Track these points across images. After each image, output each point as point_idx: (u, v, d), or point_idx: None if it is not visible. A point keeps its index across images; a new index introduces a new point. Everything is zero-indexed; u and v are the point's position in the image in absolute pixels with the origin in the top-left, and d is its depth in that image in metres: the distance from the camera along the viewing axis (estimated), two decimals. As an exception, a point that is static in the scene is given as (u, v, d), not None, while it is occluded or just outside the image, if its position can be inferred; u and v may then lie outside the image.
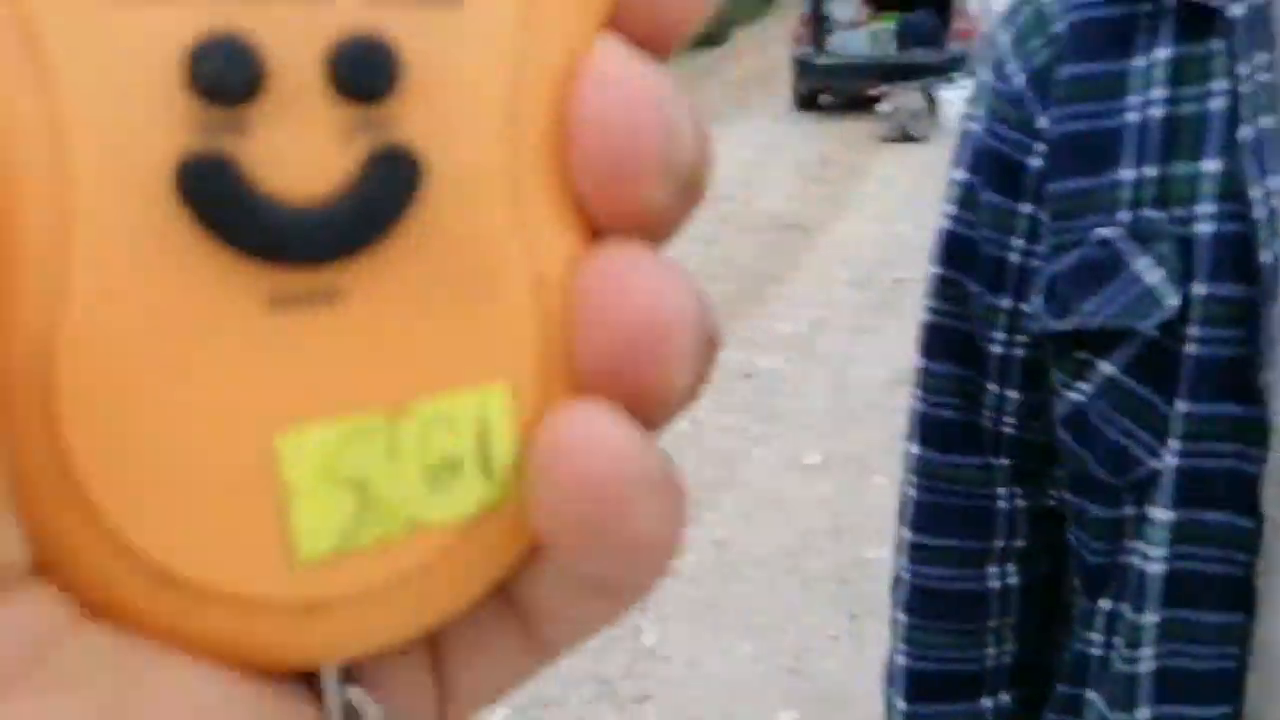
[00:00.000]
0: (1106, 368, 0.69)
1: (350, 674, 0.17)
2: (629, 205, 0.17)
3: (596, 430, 0.16)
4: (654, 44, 0.19)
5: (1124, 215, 0.68)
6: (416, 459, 0.17)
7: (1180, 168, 0.66)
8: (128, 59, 0.16)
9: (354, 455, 0.16)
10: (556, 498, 0.16)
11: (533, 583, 0.18)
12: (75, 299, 0.15)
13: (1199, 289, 0.65)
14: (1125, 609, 0.70)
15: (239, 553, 0.16)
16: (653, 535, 0.17)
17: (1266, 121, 0.64)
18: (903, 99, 9.09)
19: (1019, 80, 0.72)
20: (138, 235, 0.15)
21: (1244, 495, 0.65)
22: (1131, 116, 0.68)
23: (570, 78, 0.18)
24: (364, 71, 0.17)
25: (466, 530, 0.17)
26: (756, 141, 8.87)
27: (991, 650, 0.80)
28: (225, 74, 0.16)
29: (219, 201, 0.15)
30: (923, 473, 0.80)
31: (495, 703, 0.19)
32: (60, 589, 0.15)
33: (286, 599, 0.16)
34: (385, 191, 0.16)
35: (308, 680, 0.17)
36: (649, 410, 0.17)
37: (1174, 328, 0.66)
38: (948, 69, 9.59)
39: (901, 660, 0.82)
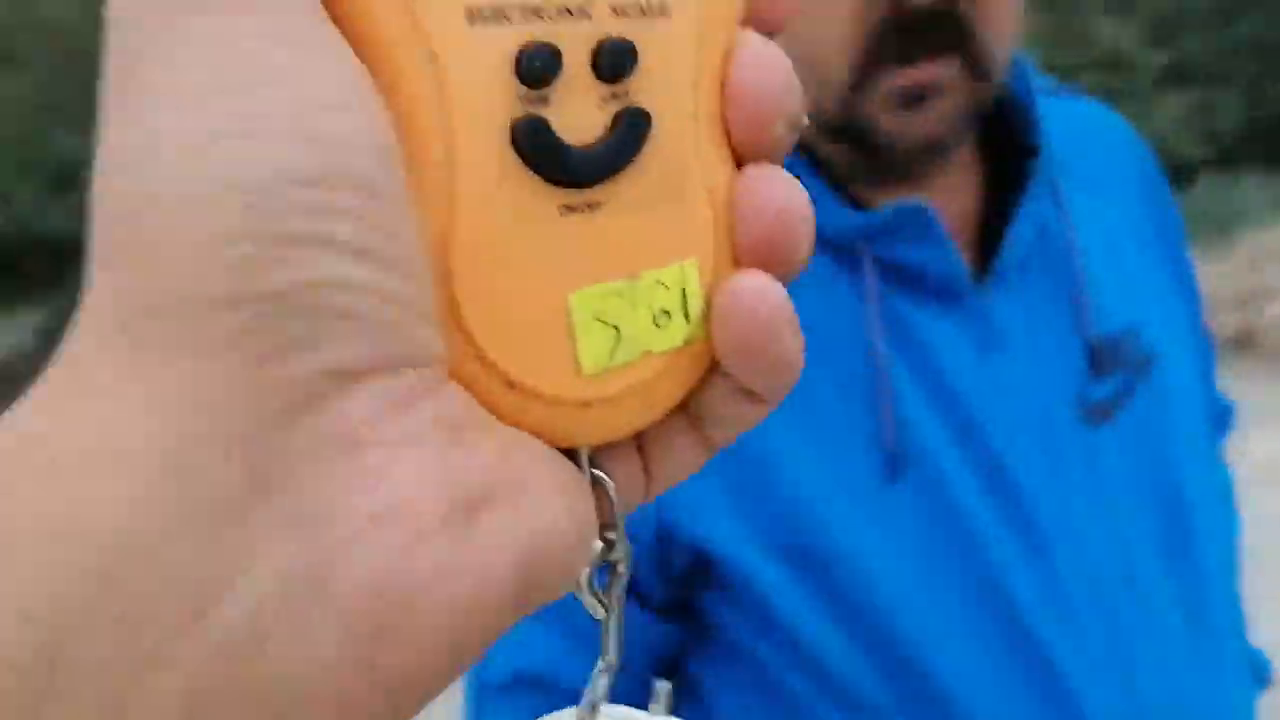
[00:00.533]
0: None
1: (593, 459, 0.26)
2: (765, 138, 0.27)
3: (756, 285, 0.26)
4: (772, 26, 0.30)
5: None
6: (646, 309, 0.26)
7: None
8: (482, 58, 0.26)
9: (611, 307, 0.26)
10: (732, 330, 0.26)
11: (708, 394, 0.27)
12: (459, 201, 0.24)
13: None
14: None
15: (550, 368, 0.25)
16: (792, 357, 0.26)
17: None
18: None
19: None
20: (490, 167, 0.25)
21: None
22: None
23: (726, 58, 0.29)
24: (614, 61, 0.28)
25: (674, 357, 0.27)
26: None
27: None
28: (539, 67, 0.26)
29: (535, 147, 0.25)
30: None
31: (677, 482, 0.28)
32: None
33: (575, 399, 0.25)
34: (628, 138, 0.27)
35: (571, 457, 0.26)
36: (785, 274, 0.27)
37: None
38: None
39: None
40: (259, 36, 0.21)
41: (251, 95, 0.20)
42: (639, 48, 0.28)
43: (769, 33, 0.31)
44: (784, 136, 0.28)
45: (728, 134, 0.28)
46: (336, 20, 0.27)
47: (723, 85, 0.29)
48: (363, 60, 0.26)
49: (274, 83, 0.21)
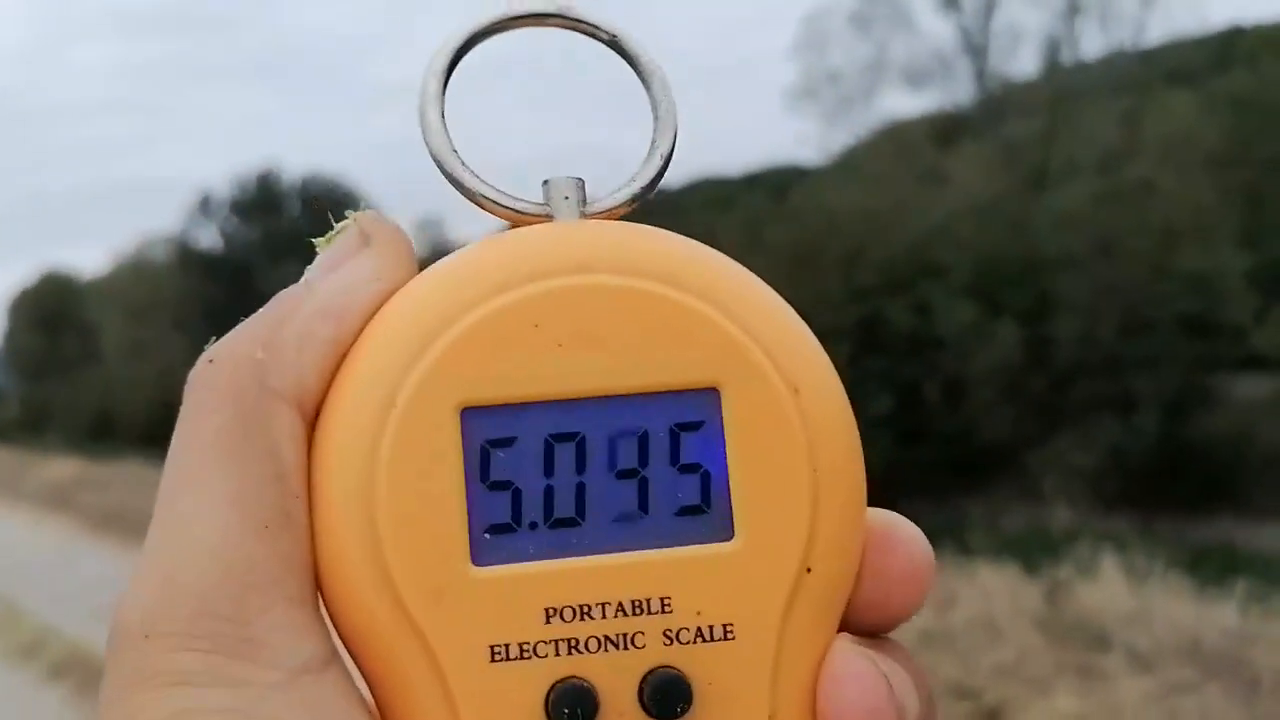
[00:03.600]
0: None
1: None
2: None
3: None
4: (882, 630, 0.28)
5: None
6: None
7: None
8: (506, 701, 0.25)
9: None
10: None
11: None
12: None
13: None
14: None
15: None
16: None
17: None
18: None
19: None
20: None
21: None
22: None
23: (815, 678, 0.27)
24: (664, 696, 0.26)
25: None
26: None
27: None
28: (573, 712, 0.25)
29: None
30: None
31: None
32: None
33: None
34: None
35: None
36: None
37: None
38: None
39: None
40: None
41: None
42: (695, 679, 0.26)
43: (878, 632, 0.29)
44: None
45: None
46: (357, 659, 0.27)
47: (815, 712, 0.27)
48: (380, 705, 0.26)
49: None
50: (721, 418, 0.29)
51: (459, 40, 0.33)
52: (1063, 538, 6.92)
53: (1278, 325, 10.52)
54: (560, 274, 0.29)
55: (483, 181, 0.32)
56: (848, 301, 11.34)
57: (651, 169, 0.33)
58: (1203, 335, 10.80)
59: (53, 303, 27.08)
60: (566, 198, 0.32)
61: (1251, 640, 5.08)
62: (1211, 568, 6.29)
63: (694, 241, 0.32)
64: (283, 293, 0.32)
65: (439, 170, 0.32)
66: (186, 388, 0.31)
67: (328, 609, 0.29)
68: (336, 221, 0.33)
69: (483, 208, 0.32)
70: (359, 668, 0.28)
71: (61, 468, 15.15)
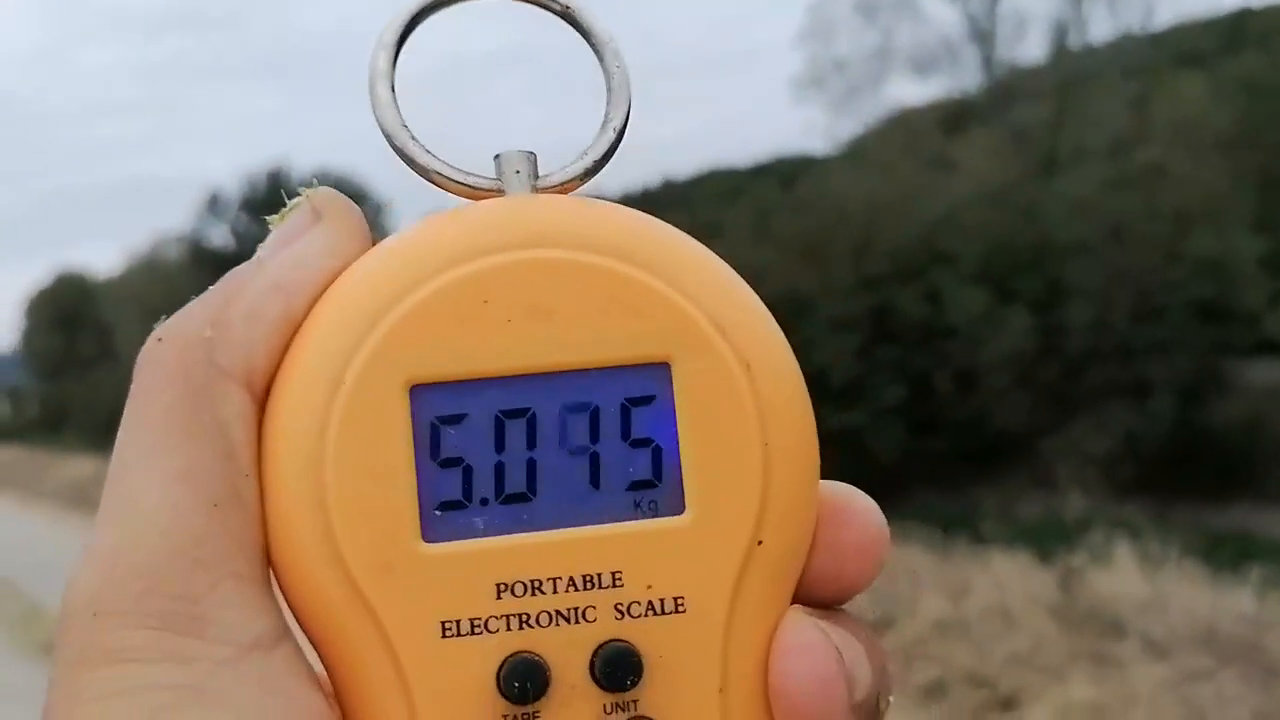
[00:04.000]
0: None
1: None
2: None
3: None
4: (837, 601, 0.28)
5: None
6: None
7: None
8: (457, 675, 0.26)
9: None
10: None
11: None
12: None
13: None
14: None
15: None
16: None
17: None
18: None
19: None
20: None
21: None
22: None
23: (767, 649, 0.27)
24: (615, 669, 0.26)
25: None
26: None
27: None
28: (523, 686, 0.26)
29: None
30: None
31: None
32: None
33: None
34: None
35: None
36: None
37: None
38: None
39: None
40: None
41: None
42: (646, 652, 0.27)
43: (833, 604, 0.29)
44: None
45: None
46: (309, 635, 0.28)
47: (765, 683, 0.27)
48: (333, 681, 0.27)
49: None
50: (673, 392, 0.29)
51: (408, 14, 0.33)
52: (1076, 525, 6.89)
53: (1291, 309, 10.46)
54: (509, 249, 0.29)
55: (433, 156, 0.32)
56: (858, 291, 11.31)
57: (604, 143, 0.33)
58: (1216, 321, 10.74)
59: (68, 303, 27.23)
60: (518, 172, 0.32)
61: (1268, 627, 5.05)
62: (1227, 554, 6.25)
63: (646, 215, 0.32)
64: (234, 270, 0.32)
65: (389, 145, 0.32)
66: (136, 366, 0.31)
67: (280, 586, 0.30)
68: (290, 199, 0.33)
69: (434, 183, 0.32)
70: (312, 644, 0.28)
71: (80, 466, 15.23)
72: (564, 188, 0.33)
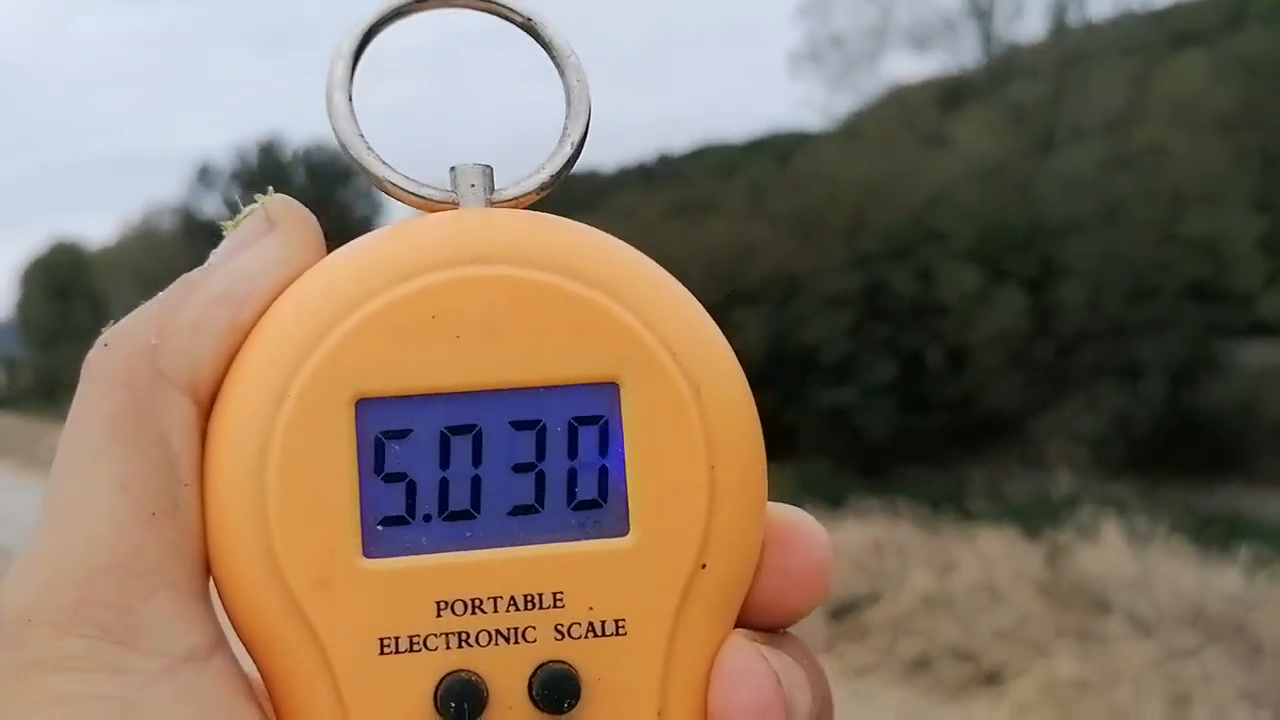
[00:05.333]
0: None
1: None
2: None
3: None
4: (781, 625, 0.29)
5: None
6: None
7: None
8: (395, 693, 0.26)
9: None
10: None
11: None
12: None
13: None
14: None
15: None
16: None
17: None
18: None
19: None
20: None
21: None
22: None
23: (708, 674, 0.28)
24: (555, 692, 0.27)
25: None
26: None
27: None
28: (460, 705, 0.26)
29: None
30: None
31: None
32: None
33: None
34: None
35: None
36: None
37: None
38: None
39: None
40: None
41: None
42: (585, 674, 0.27)
43: (778, 628, 0.29)
44: None
45: None
46: (247, 647, 0.28)
47: (705, 708, 0.27)
48: (270, 694, 0.27)
49: None
50: (620, 413, 0.29)
51: (367, 23, 0.33)
52: (1064, 503, 6.89)
53: (1286, 291, 10.44)
54: (460, 264, 0.29)
55: (388, 167, 0.32)
56: (851, 268, 11.28)
57: (561, 156, 0.33)
58: (1210, 301, 10.73)
59: (63, 272, 27.19)
60: (473, 185, 0.32)
61: (1254, 605, 5.05)
62: (1215, 534, 6.25)
63: (600, 232, 0.32)
64: (185, 275, 0.32)
65: (345, 155, 0.32)
66: (82, 371, 0.31)
67: (219, 596, 0.29)
68: (245, 205, 0.33)
69: (389, 194, 0.32)
70: (250, 656, 0.28)
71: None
72: (519, 201, 0.32)
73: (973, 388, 11.06)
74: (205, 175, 21.97)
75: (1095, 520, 5.97)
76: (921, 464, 10.49)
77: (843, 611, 5.51)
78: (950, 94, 15.27)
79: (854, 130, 15.28)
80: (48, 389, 23.61)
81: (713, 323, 0.31)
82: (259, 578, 0.28)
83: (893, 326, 11.13)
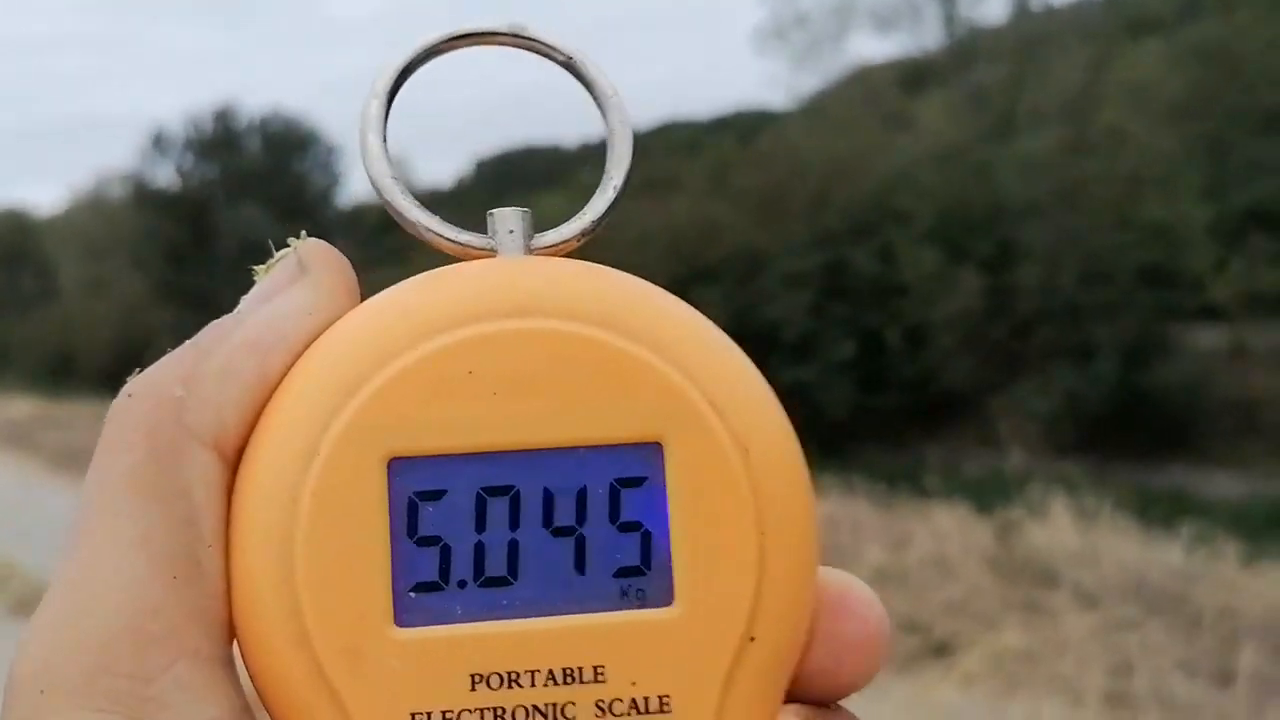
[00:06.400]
0: None
1: None
2: None
3: None
4: (834, 698, 0.28)
5: None
6: None
7: None
8: None
9: None
10: None
11: None
12: None
13: None
14: None
15: None
16: None
17: None
18: None
19: None
20: None
21: None
22: None
23: None
24: None
25: None
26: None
27: None
28: None
29: None
30: None
31: None
32: None
33: None
34: None
35: None
36: None
37: None
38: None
39: None
40: None
41: None
42: None
43: (830, 701, 0.28)
44: None
45: None
46: (271, 716, 0.27)
47: None
48: None
49: None
50: (664, 474, 0.28)
51: (404, 61, 0.31)
52: (1015, 481, 7.03)
53: (1236, 277, 10.66)
54: (497, 317, 0.28)
55: (424, 211, 0.31)
56: (812, 246, 11.36)
57: (603, 202, 0.32)
58: (1162, 285, 10.91)
59: (9, 240, 26.65)
60: (511, 231, 0.31)
61: (1195, 579, 5.20)
62: (1160, 511, 6.41)
63: (643, 282, 0.30)
64: (214, 322, 0.31)
65: (380, 198, 0.31)
66: (105, 420, 0.30)
67: (244, 661, 0.28)
68: (278, 250, 0.32)
69: (425, 241, 0.31)
70: None
71: (21, 407, 15.02)
72: (559, 248, 0.31)
73: (931, 367, 11.20)
74: (158, 143, 21.58)
75: (1045, 498, 6.11)
76: (880, 442, 10.62)
77: (799, 584, 5.58)
78: (913, 75, 15.36)
79: (818, 110, 15.34)
80: (-7, 359, 23.18)
81: (761, 378, 0.30)
82: (285, 645, 0.27)
83: (852, 305, 11.23)
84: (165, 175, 21.62)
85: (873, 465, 8.55)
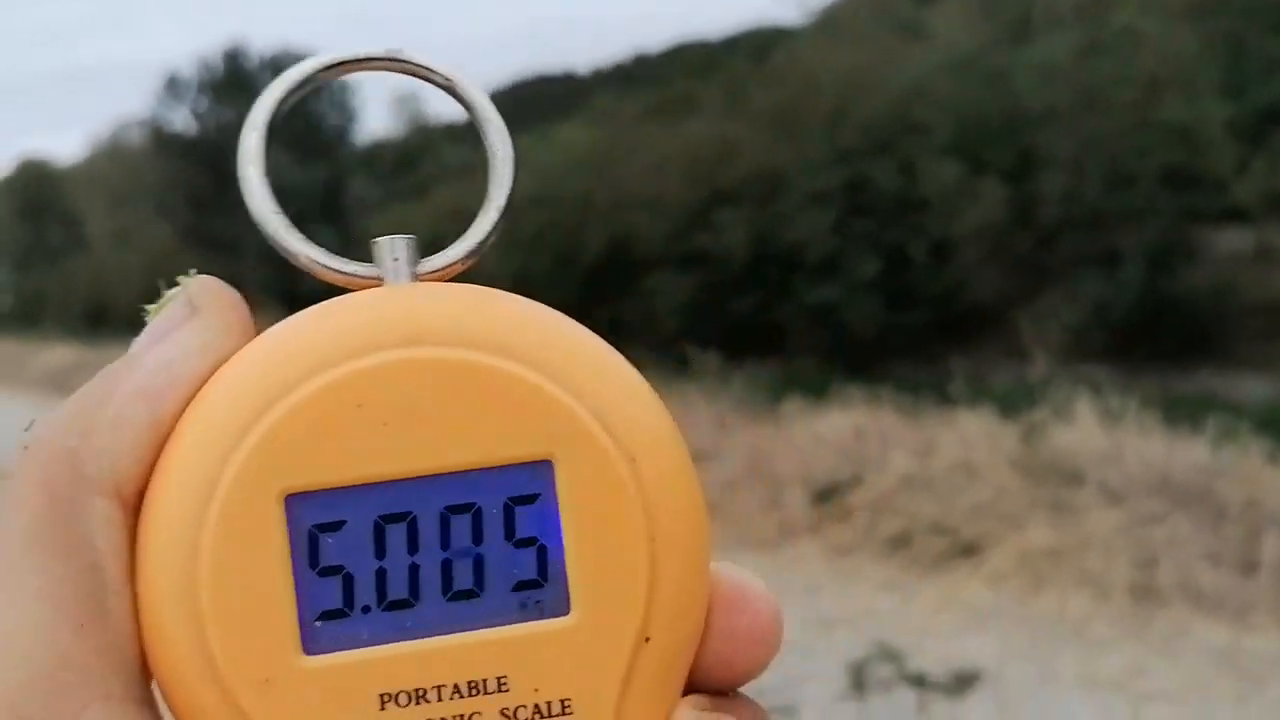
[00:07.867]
0: None
1: None
2: None
3: None
4: (731, 687, 0.29)
5: None
6: None
7: None
8: None
9: None
10: None
11: None
12: None
13: None
14: None
15: None
16: None
17: None
18: None
19: None
20: None
21: None
22: None
23: None
24: None
25: None
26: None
27: None
28: None
29: None
30: None
31: None
32: None
33: None
34: None
35: None
36: None
37: None
38: None
39: None
40: None
41: None
42: None
43: (727, 690, 0.30)
44: None
45: None
46: None
47: None
48: None
49: None
50: (556, 490, 0.29)
51: (281, 92, 0.32)
52: (1041, 387, 7.06)
53: (1259, 177, 10.53)
54: (384, 348, 0.29)
55: (308, 244, 0.31)
56: (832, 164, 11.28)
57: (486, 223, 0.32)
58: (1185, 188, 10.80)
59: (34, 191, 26.73)
60: (396, 259, 0.31)
61: (1220, 474, 5.25)
62: (1186, 412, 6.44)
63: (530, 302, 0.31)
64: (107, 368, 0.31)
65: (262, 233, 0.32)
66: (6, 476, 0.30)
67: (164, 700, 0.29)
68: (169, 289, 0.32)
69: (311, 273, 0.32)
70: None
71: (60, 354, 15.27)
72: (445, 272, 0.32)
73: (956, 281, 11.16)
74: (173, 86, 21.52)
75: (1070, 401, 6.15)
76: (907, 359, 10.63)
77: (826, 494, 5.71)
78: (927, -16, 15.11)
79: (831, 24, 15.13)
80: (30, 312, 23.41)
81: (650, 389, 0.31)
82: (197, 681, 0.28)
83: (875, 222, 11.17)
84: (182, 119, 21.64)
85: (901, 382, 8.58)
